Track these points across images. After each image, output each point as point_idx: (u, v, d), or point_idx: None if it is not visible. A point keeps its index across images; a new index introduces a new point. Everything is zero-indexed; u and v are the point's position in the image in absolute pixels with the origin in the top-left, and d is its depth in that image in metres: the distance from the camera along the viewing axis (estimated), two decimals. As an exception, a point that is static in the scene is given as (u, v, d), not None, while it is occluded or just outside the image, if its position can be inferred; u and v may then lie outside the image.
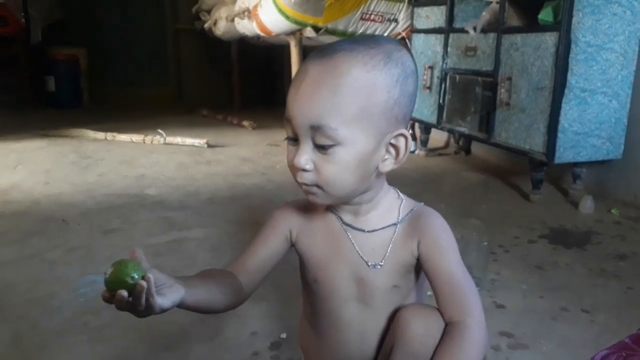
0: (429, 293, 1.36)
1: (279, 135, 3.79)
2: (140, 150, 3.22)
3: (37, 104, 4.89)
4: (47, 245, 1.74)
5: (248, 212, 2.12)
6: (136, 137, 3.46)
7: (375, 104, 0.68)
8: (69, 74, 4.93)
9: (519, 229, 1.95)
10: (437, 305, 0.73)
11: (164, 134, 3.40)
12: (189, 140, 3.37)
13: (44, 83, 4.89)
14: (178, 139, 3.39)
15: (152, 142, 3.41)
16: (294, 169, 0.71)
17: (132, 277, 0.63)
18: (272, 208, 2.26)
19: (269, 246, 0.84)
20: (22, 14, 4.76)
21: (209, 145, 3.33)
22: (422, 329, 0.70)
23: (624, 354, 0.97)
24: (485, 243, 1.46)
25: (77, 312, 1.32)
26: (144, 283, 0.63)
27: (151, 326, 1.26)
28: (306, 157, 0.69)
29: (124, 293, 0.63)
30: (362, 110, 0.67)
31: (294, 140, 0.71)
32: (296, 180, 0.73)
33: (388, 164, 0.73)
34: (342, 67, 0.67)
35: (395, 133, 0.71)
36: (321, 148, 0.68)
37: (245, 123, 4.11)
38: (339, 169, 0.69)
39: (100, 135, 3.53)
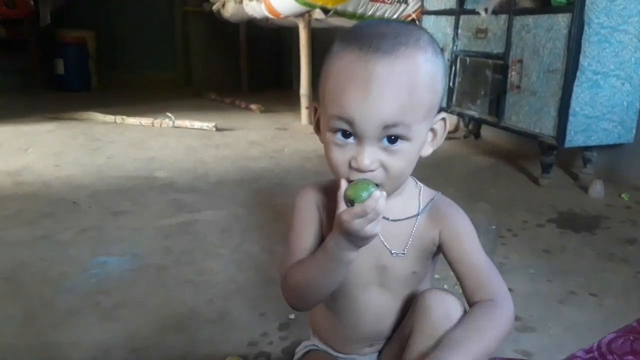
0: (437, 277, 1.36)
1: (287, 119, 3.78)
2: (149, 133, 3.23)
3: (46, 87, 4.91)
4: (58, 226, 1.76)
5: (256, 195, 2.13)
6: (145, 120, 3.46)
7: (438, 97, 0.70)
8: (77, 56, 4.93)
9: (528, 213, 1.94)
10: (462, 289, 0.75)
11: (173, 117, 3.41)
12: (197, 124, 3.37)
13: (53, 66, 4.90)
14: (187, 123, 3.40)
15: (161, 125, 3.41)
16: (354, 169, 0.67)
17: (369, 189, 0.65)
18: (280, 191, 2.28)
19: (315, 227, 0.80)
20: (31, -4, 4.76)
21: (218, 129, 3.33)
22: (443, 313, 0.71)
23: (631, 337, 0.97)
24: (494, 227, 1.46)
25: (89, 292, 1.34)
26: (377, 193, 0.63)
27: (161, 307, 1.28)
28: (372, 157, 0.67)
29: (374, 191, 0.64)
30: (431, 106, 0.68)
31: (346, 137, 0.68)
32: (343, 177, 0.69)
33: (427, 148, 0.74)
34: (412, 65, 0.65)
35: (439, 118, 0.72)
36: (390, 145, 0.67)
37: (253, 106, 4.10)
38: (405, 163, 0.69)
39: (110, 118, 3.54)
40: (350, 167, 0.68)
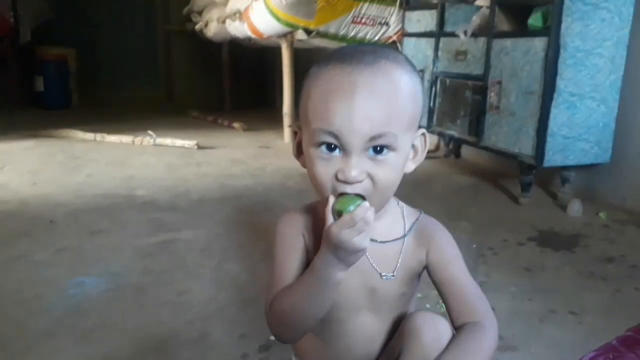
0: (419, 295, 1.36)
1: (270, 137, 3.78)
2: (129, 151, 3.20)
3: (26, 104, 4.85)
4: (35, 246, 1.72)
5: (238, 213, 2.12)
6: (126, 138, 3.43)
7: (419, 107, 0.71)
8: (58, 74, 4.88)
9: (508, 232, 1.96)
10: (448, 311, 0.75)
11: (154, 135, 3.39)
12: (179, 142, 3.35)
13: (33, 83, 4.84)
14: (168, 140, 3.37)
15: (141, 143, 3.38)
16: (341, 182, 0.67)
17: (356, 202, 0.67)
18: (262, 209, 2.26)
19: (299, 254, 0.78)
20: (11, 13, 4.71)
21: (199, 147, 3.32)
22: (434, 336, 0.71)
23: (611, 356, 0.98)
24: (475, 245, 1.47)
25: (66, 313, 1.31)
26: (366, 204, 0.65)
27: (139, 328, 1.25)
28: (360, 168, 0.66)
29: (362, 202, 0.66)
30: (414, 115, 0.69)
31: (332, 150, 0.67)
32: (328, 192, 0.68)
33: (411, 164, 0.74)
34: (393, 75, 0.67)
35: (419, 133, 0.73)
36: (377, 156, 0.67)
37: (236, 125, 4.10)
38: (393, 174, 0.69)
39: (89, 136, 3.50)
40: (337, 179, 0.67)
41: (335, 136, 0.66)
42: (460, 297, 0.75)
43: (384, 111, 0.65)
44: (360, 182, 0.67)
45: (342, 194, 0.67)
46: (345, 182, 0.66)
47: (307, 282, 0.71)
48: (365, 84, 0.65)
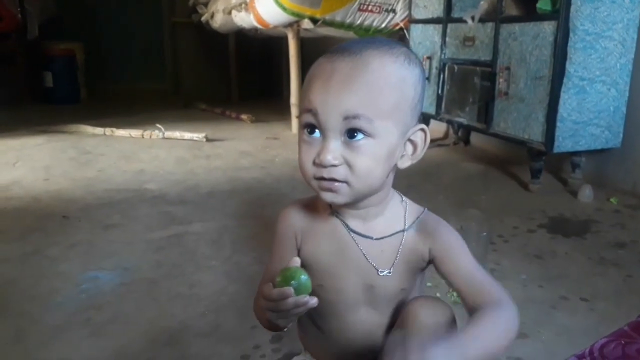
0: (428, 284, 1.37)
1: (278, 129, 3.78)
2: (139, 145, 3.21)
3: (35, 100, 4.88)
4: (48, 241, 1.75)
5: (248, 206, 2.13)
6: (135, 132, 3.45)
7: (406, 99, 0.69)
8: (66, 69, 4.91)
9: (518, 219, 1.95)
10: (462, 299, 0.73)
11: (163, 129, 3.40)
12: (187, 135, 3.37)
13: (41, 79, 4.87)
14: (177, 134, 3.39)
15: (150, 137, 3.40)
16: (318, 166, 0.68)
17: (301, 281, 0.68)
18: (271, 201, 2.27)
19: (288, 255, 0.79)
20: (18, 9, 4.73)
21: (208, 139, 3.33)
22: (432, 319, 0.71)
23: (622, 342, 0.97)
24: (485, 233, 1.47)
25: (79, 307, 1.33)
26: (312, 301, 0.66)
27: (152, 321, 1.27)
28: (335, 152, 0.67)
29: (291, 290, 0.65)
30: (395, 105, 0.68)
31: (312, 132, 0.69)
32: (310, 177, 0.70)
33: (406, 160, 0.73)
34: (375, 63, 0.67)
35: (417, 128, 0.72)
36: (352, 140, 0.67)
37: (243, 116, 4.10)
38: (371, 162, 0.68)
39: (99, 130, 3.52)
40: (314, 163, 0.68)
41: (314, 114, 0.67)
42: (473, 283, 0.73)
43: (358, 93, 0.66)
44: (336, 166, 0.67)
45: (292, 268, 0.69)
46: (321, 166, 0.67)
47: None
48: (344, 68, 0.67)
